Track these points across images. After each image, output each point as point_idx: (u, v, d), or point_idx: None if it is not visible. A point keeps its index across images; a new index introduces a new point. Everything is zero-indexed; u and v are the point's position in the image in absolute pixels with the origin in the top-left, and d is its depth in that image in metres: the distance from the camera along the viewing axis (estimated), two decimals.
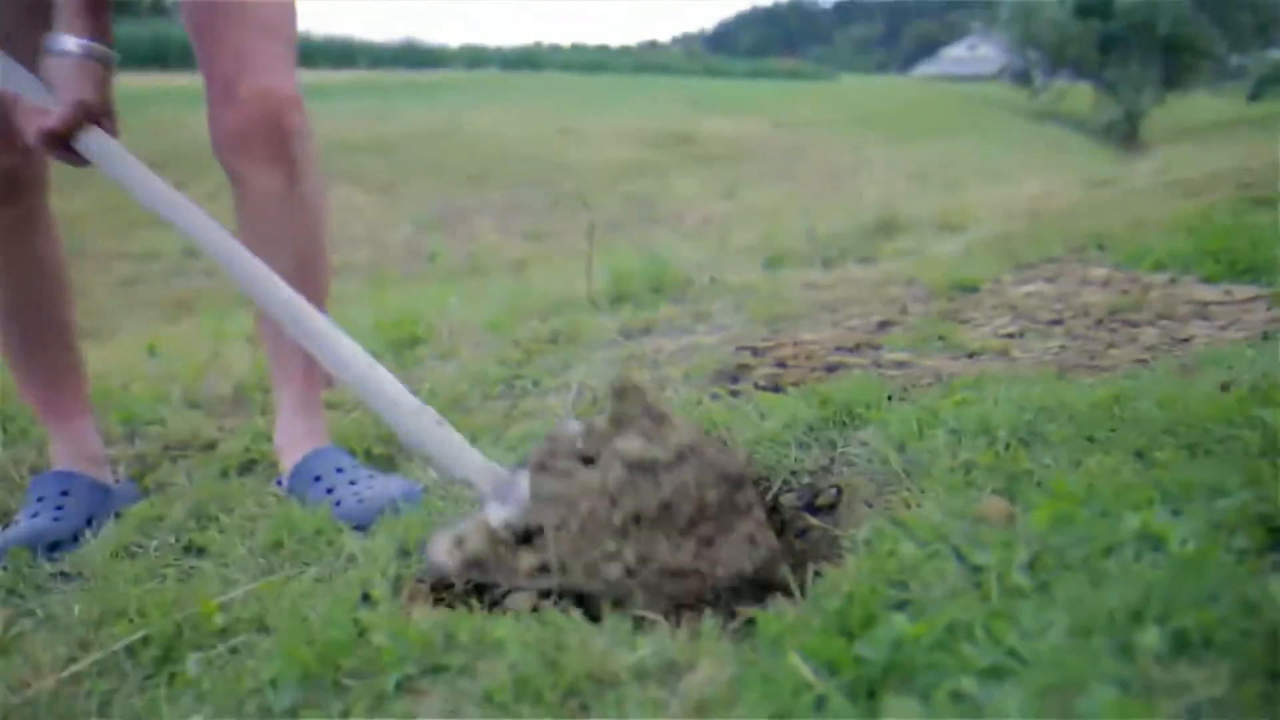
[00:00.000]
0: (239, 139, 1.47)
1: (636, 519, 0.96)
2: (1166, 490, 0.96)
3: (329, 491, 1.49)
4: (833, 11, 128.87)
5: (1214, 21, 23.71)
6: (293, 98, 1.49)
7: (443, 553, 1.03)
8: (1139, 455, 1.10)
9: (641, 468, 0.98)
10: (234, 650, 1.03)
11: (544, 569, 0.98)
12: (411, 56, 29.34)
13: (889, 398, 1.50)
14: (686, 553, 0.97)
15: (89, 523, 1.54)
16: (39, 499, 1.57)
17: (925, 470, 1.17)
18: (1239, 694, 0.65)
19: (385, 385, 1.16)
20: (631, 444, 0.99)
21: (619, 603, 0.95)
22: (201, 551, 1.39)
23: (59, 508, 1.55)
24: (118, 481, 1.74)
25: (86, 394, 1.75)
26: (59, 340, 1.70)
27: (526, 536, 1.01)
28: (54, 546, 1.47)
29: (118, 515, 1.57)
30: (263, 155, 1.48)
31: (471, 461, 1.11)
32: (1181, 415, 1.17)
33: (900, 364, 1.87)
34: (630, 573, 0.96)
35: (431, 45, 31.70)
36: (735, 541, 1.00)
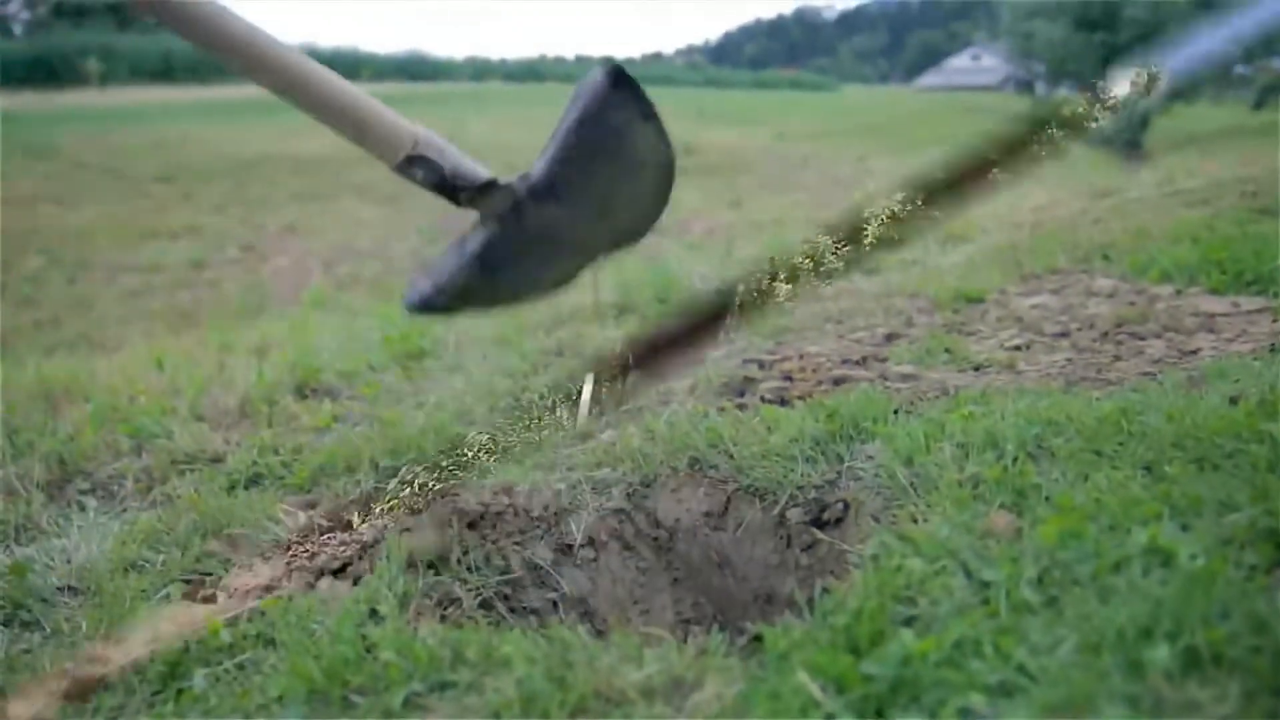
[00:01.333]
0: None
1: None
2: (1175, 505, 0.96)
3: None
4: (836, 23, 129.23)
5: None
6: None
7: None
8: (1147, 469, 1.10)
9: None
10: (241, 666, 1.03)
11: None
12: (416, 68, 29.49)
13: (895, 411, 1.50)
14: None
15: None
16: None
17: (932, 484, 1.17)
18: (1249, 712, 0.65)
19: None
20: None
21: None
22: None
23: None
24: None
25: None
26: None
27: None
28: None
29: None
30: None
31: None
32: (1189, 429, 1.17)
33: (906, 377, 1.87)
34: None
35: (436, 57, 31.84)
36: None
